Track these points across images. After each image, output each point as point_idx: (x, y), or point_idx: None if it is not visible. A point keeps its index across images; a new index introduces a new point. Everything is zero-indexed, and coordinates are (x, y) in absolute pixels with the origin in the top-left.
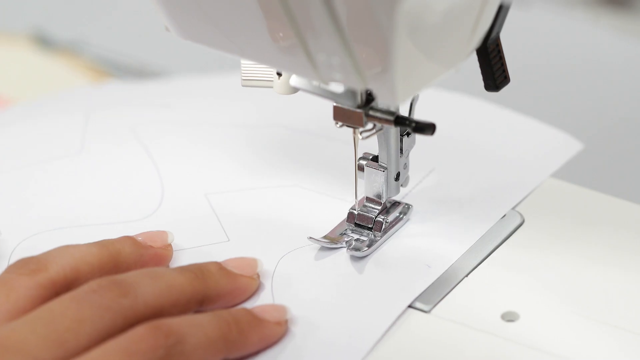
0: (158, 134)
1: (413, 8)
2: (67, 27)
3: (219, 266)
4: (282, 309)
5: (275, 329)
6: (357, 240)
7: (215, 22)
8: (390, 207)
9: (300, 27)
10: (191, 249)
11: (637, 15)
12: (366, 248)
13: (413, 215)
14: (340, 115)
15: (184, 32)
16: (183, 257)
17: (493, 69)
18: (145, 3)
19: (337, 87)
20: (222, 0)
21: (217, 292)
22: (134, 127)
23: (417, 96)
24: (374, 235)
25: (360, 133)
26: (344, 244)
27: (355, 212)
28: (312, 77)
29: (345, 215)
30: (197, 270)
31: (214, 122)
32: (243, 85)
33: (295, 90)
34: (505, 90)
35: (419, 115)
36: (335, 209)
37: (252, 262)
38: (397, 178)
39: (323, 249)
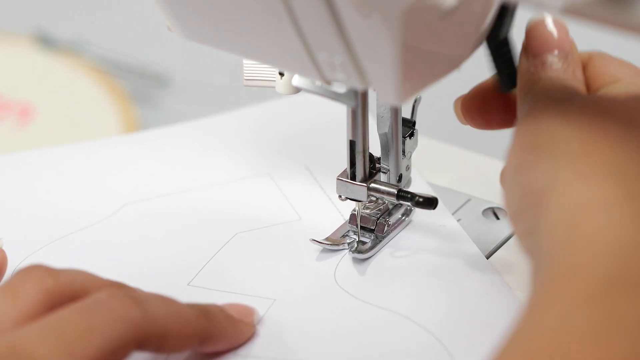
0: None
1: (415, 7)
2: (69, 26)
3: (221, 309)
4: (252, 311)
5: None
6: (359, 242)
7: (218, 21)
8: (392, 208)
9: (302, 26)
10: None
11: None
12: (368, 250)
13: (415, 216)
14: (343, 189)
15: (186, 32)
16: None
17: (512, 64)
18: (147, 2)
19: (340, 87)
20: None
21: (220, 333)
22: None
23: (420, 98)
24: (376, 237)
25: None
26: (346, 246)
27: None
28: (314, 77)
29: (347, 216)
30: (203, 308)
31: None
32: (245, 85)
33: (297, 90)
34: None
35: (420, 113)
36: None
37: (251, 310)
38: (399, 180)
39: (325, 250)
